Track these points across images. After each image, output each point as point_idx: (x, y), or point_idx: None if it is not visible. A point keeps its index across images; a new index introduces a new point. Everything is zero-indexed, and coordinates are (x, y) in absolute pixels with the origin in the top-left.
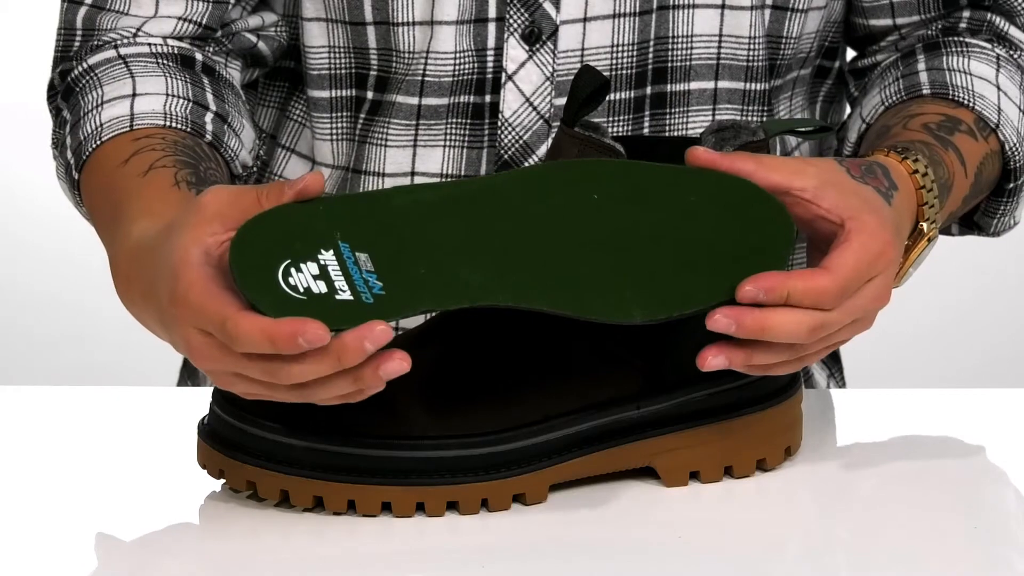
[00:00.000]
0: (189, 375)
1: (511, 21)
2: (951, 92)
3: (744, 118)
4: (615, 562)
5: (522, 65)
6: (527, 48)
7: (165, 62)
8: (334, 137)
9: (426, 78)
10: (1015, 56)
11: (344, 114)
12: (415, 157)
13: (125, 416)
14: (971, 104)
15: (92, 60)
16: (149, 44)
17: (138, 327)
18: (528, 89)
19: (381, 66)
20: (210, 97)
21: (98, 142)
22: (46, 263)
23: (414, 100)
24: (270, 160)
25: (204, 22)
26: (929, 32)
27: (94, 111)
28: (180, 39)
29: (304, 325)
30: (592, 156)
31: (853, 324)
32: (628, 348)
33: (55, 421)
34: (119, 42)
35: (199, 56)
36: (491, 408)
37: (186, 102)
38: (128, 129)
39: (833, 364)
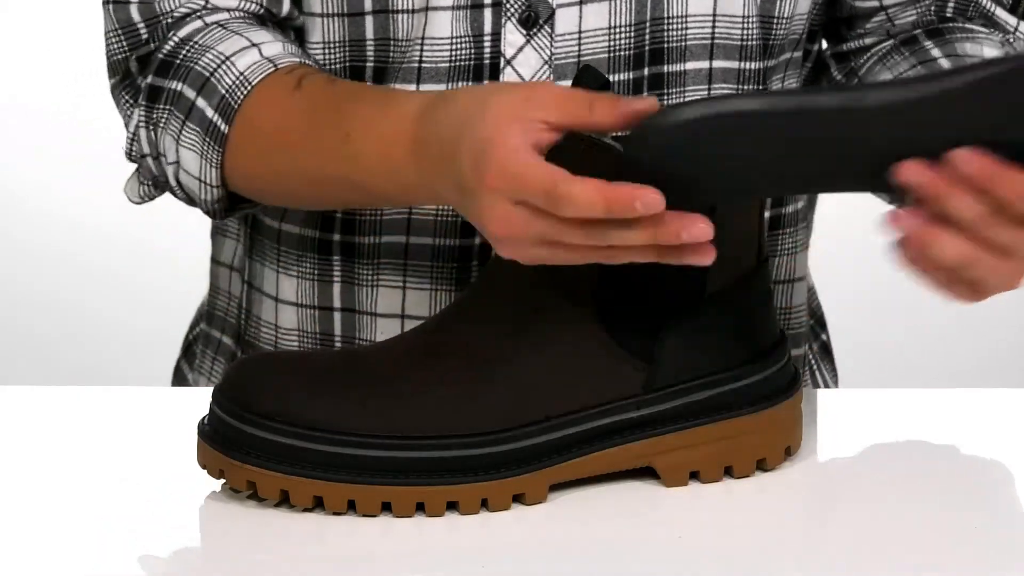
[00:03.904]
0: (179, 381)
1: (508, 6)
2: None
3: None
4: (615, 562)
5: (520, 50)
6: (524, 32)
7: (251, 21)
8: None
9: (423, 64)
10: (1010, 41)
11: None
12: None
13: (125, 416)
14: None
15: (182, 33)
16: (228, 11)
17: (137, 327)
18: (527, 73)
19: (378, 56)
20: (298, 44)
21: (248, 87)
22: (46, 263)
23: (412, 87)
24: None
25: (265, 4)
26: (925, 18)
27: (223, 66)
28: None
29: (640, 190)
30: (595, 156)
31: None
32: (628, 348)
33: (55, 421)
34: (201, 14)
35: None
36: (491, 408)
37: (295, 46)
38: (274, 69)
39: (824, 359)
